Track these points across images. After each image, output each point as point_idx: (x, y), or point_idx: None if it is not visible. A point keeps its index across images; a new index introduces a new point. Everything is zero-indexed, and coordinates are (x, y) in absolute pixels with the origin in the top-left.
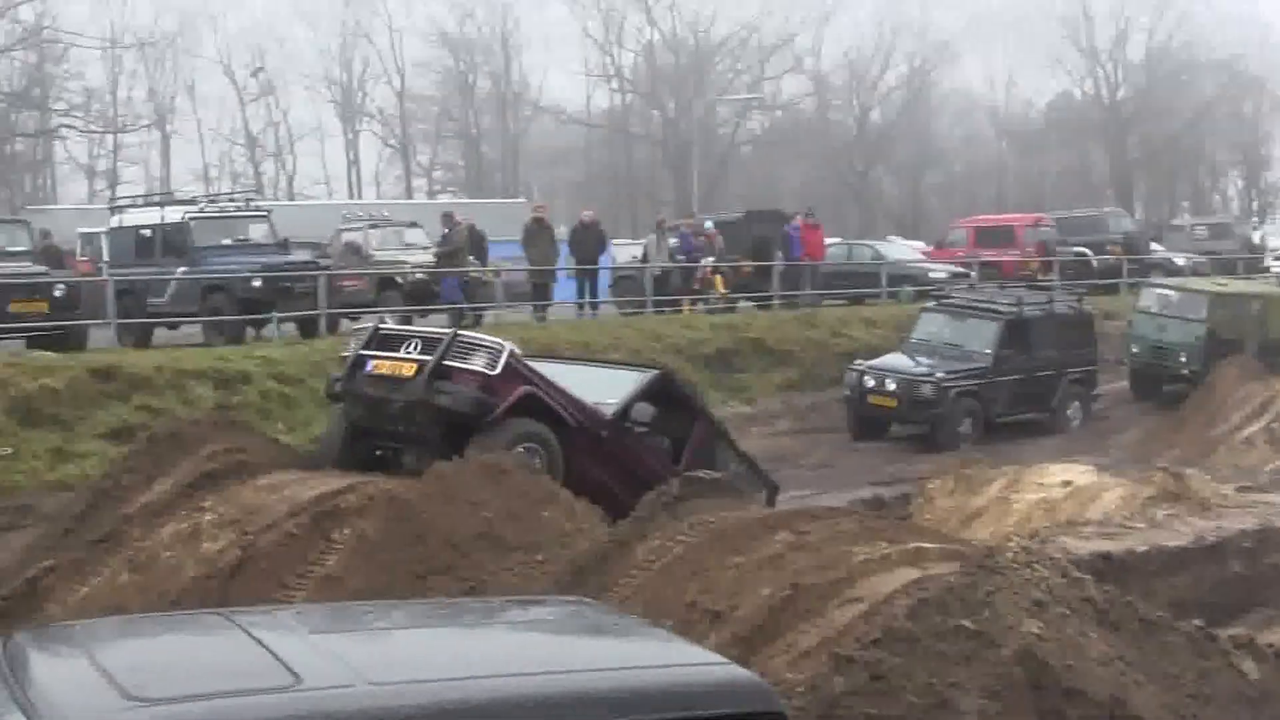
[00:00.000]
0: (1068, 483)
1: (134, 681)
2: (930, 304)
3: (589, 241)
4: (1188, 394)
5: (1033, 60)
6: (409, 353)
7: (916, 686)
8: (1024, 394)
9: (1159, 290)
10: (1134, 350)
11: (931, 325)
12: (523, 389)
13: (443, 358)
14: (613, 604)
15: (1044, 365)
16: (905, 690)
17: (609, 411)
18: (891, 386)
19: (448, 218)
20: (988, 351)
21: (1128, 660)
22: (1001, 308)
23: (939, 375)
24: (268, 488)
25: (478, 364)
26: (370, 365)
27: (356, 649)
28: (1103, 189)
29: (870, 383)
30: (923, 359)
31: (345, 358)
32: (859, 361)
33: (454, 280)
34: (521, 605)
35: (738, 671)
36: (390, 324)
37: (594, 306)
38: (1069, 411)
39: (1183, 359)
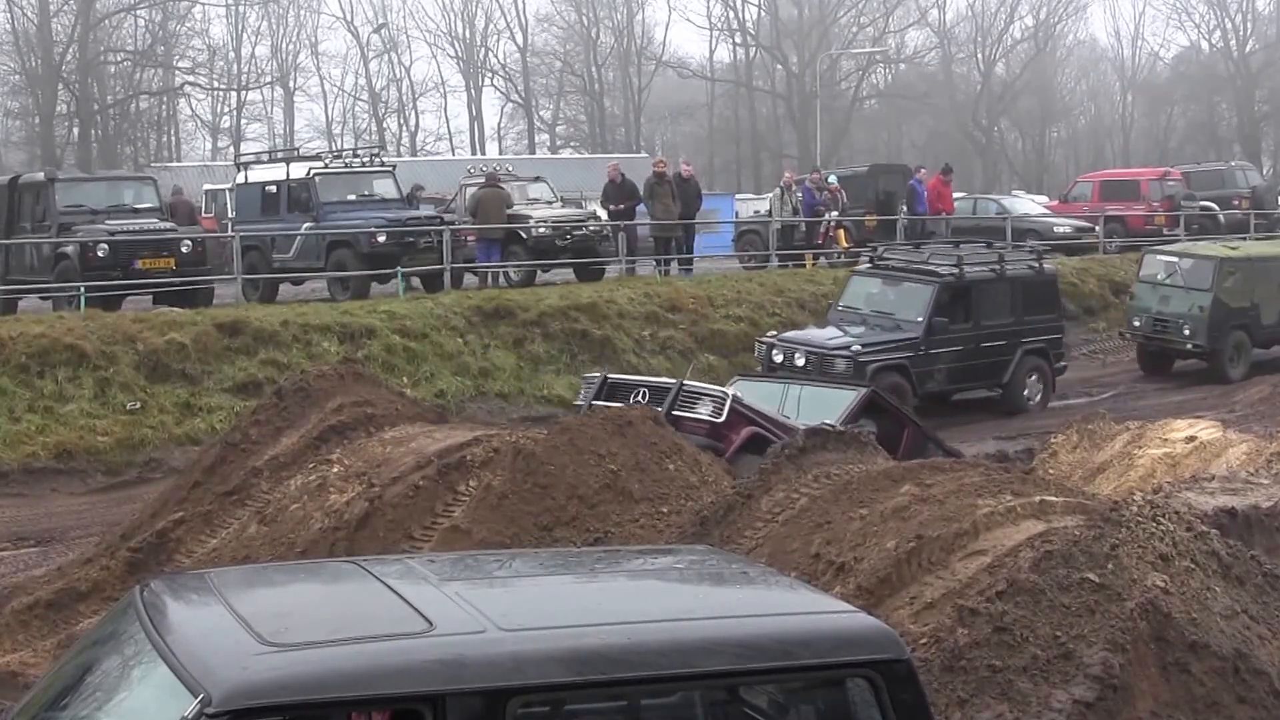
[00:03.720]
0: (1192, 439)
1: (269, 627)
2: (862, 266)
3: (687, 195)
4: (1200, 373)
5: (1160, 12)
6: (638, 402)
7: (1040, 639)
8: (968, 368)
9: (1163, 257)
10: (1135, 324)
11: (862, 290)
12: (747, 430)
13: (671, 408)
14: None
15: (993, 335)
16: (1029, 642)
17: None
18: (801, 361)
19: (490, 177)
20: (919, 320)
21: (1252, 615)
22: (939, 269)
23: (856, 348)
24: (394, 440)
25: (704, 412)
26: None
27: (488, 596)
28: (1230, 143)
29: (779, 357)
30: (850, 329)
31: (578, 406)
32: (771, 333)
33: (485, 244)
34: (650, 554)
35: (866, 619)
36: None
37: (688, 261)
38: (1026, 385)
39: (1186, 332)
